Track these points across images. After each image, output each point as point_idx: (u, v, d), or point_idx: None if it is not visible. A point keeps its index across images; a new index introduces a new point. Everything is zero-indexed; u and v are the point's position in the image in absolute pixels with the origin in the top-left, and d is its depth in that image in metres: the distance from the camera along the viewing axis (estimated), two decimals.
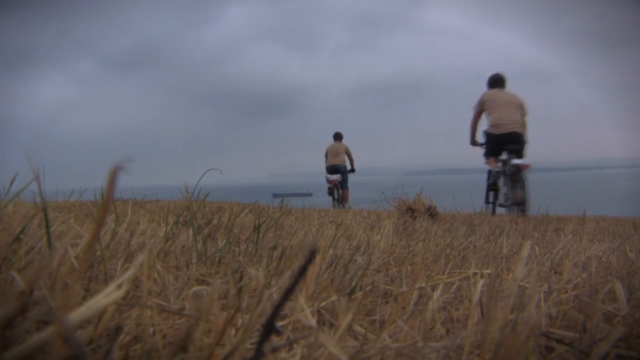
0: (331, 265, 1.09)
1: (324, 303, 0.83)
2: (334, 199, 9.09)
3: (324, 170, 9.38)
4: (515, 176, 4.88)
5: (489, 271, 1.02)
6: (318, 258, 0.96)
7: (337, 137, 9.42)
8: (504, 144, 5.05)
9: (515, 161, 4.91)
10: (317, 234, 1.81)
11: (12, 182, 1.34)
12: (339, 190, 9.08)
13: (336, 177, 9.05)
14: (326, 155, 9.38)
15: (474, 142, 5.68)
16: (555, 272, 1.32)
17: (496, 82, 5.40)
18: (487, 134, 5.31)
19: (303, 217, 2.71)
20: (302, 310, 0.63)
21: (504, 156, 5.10)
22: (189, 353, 0.50)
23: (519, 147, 5.00)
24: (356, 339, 0.70)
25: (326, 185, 9.31)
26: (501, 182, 5.16)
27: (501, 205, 5.20)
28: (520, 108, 5.23)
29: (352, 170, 9.42)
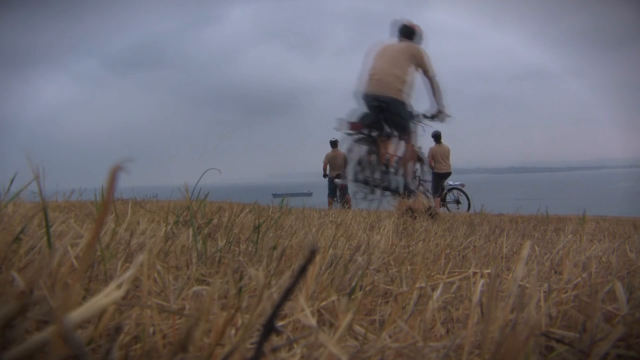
0: (331, 265, 1.09)
1: (324, 303, 0.83)
2: (335, 197, 9.40)
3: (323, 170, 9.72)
4: None
5: (489, 271, 1.02)
6: (318, 258, 0.96)
7: (335, 144, 9.68)
8: None
9: None
10: (317, 234, 1.81)
11: (11, 182, 1.34)
12: (342, 191, 9.42)
13: (344, 181, 9.46)
14: (327, 164, 9.66)
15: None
16: (555, 272, 1.32)
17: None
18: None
19: (303, 217, 2.71)
20: (302, 310, 0.63)
21: None
22: (189, 353, 0.50)
23: None
24: (356, 339, 0.70)
25: (326, 185, 9.59)
26: None
27: None
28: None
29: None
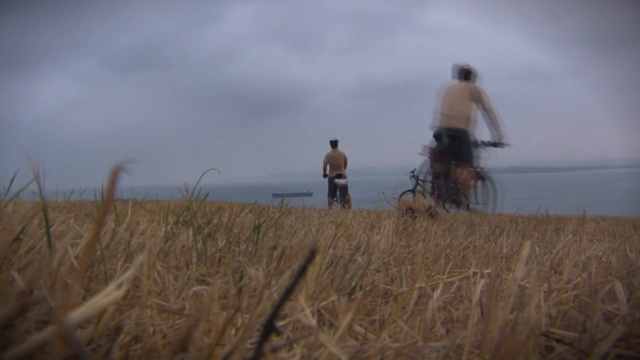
0: (331, 265, 1.09)
1: (324, 303, 0.83)
2: (335, 197, 9.42)
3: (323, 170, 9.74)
4: None
5: (489, 271, 1.02)
6: (318, 258, 0.96)
7: (335, 144, 9.69)
8: None
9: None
10: (317, 234, 1.81)
11: (11, 182, 1.34)
12: (342, 191, 9.45)
13: (344, 181, 9.49)
14: (327, 164, 9.67)
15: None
16: (555, 272, 1.32)
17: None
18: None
19: (303, 217, 2.71)
20: (302, 310, 0.63)
21: None
22: (189, 353, 0.50)
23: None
24: (356, 339, 0.70)
25: (326, 185, 9.61)
26: None
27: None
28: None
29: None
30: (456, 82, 4.95)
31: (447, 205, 4.76)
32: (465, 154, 4.71)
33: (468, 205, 4.82)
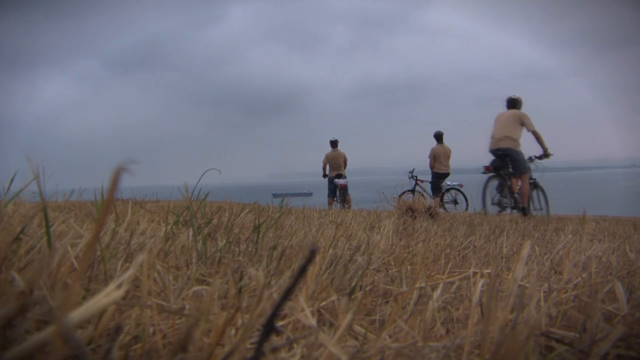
0: (331, 265, 1.09)
1: (324, 303, 0.83)
2: (335, 197, 9.42)
3: (322, 170, 9.74)
4: None
5: (489, 271, 1.02)
6: (318, 258, 0.96)
7: (335, 144, 9.68)
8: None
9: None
10: (317, 234, 1.81)
11: (11, 182, 1.34)
12: (342, 191, 9.44)
13: (344, 181, 9.49)
14: (327, 163, 9.66)
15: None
16: (555, 272, 1.32)
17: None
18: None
19: (303, 217, 2.71)
20: (302, 310, 0.63)
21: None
22: (189, 353, 0.50)
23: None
24: (356, 338, 0.70)
25: (326, 185, 9.60)
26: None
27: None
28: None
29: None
30: (506, 110, 6.14)
31: (512, 212, 5.69)
32: (519, 168, 5.79)
33: (529, 211, 5.76)
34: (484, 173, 6.08)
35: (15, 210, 1.41)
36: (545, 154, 6.04)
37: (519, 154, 5.87)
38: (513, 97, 6.20)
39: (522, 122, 5.91)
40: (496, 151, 5.89)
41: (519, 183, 5.86)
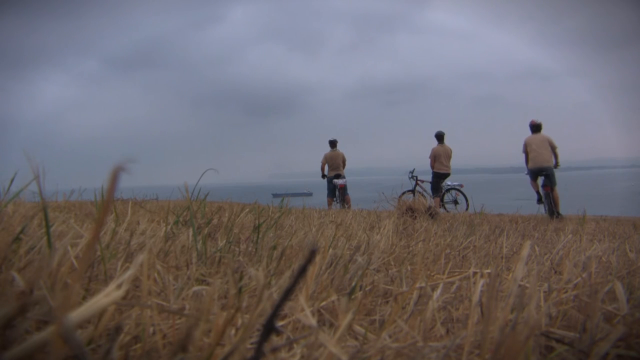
0: (331, 265, 1.09)
1: (324, 303, 0.83)
2: (334, 197, 9.42)
3: (321, 170, 9.75)
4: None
5: (489, 271, 1.02)
6: (318, 258, 0.96)
7: (334, 144, 9.68)
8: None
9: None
10: (317, 234, 1.81)
11: (11, 182, 1.34)
12: (341, 191, 9.43)
13: (343, 181, 9.49)
14: (325, 164, 9.67)
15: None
16: (555, 272, 1.32)
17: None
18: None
19: (303, 217, 2.71)
20: (302, 310, 0.63)
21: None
22: (189, 353, 0.50)
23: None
24: (356, 338, 0.70)
25: (326, 185, 9.59)
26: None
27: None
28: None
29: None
30: (534, 134, 7.72)
31: (553, 216, 7.05)
32: (555, 182, 7.46)
33: (559, 213, 7.22)
34: (544, 192, 7.70)
35: (15, 210, 1.41)
36: (556, 165, 7.71)
37: (552, 169, 7.65)
38: (537, 122, 7.79)
39: (552, 145, 7.69)
40: (540, 170, 7.53)
41: (555, 193, 7.60)
